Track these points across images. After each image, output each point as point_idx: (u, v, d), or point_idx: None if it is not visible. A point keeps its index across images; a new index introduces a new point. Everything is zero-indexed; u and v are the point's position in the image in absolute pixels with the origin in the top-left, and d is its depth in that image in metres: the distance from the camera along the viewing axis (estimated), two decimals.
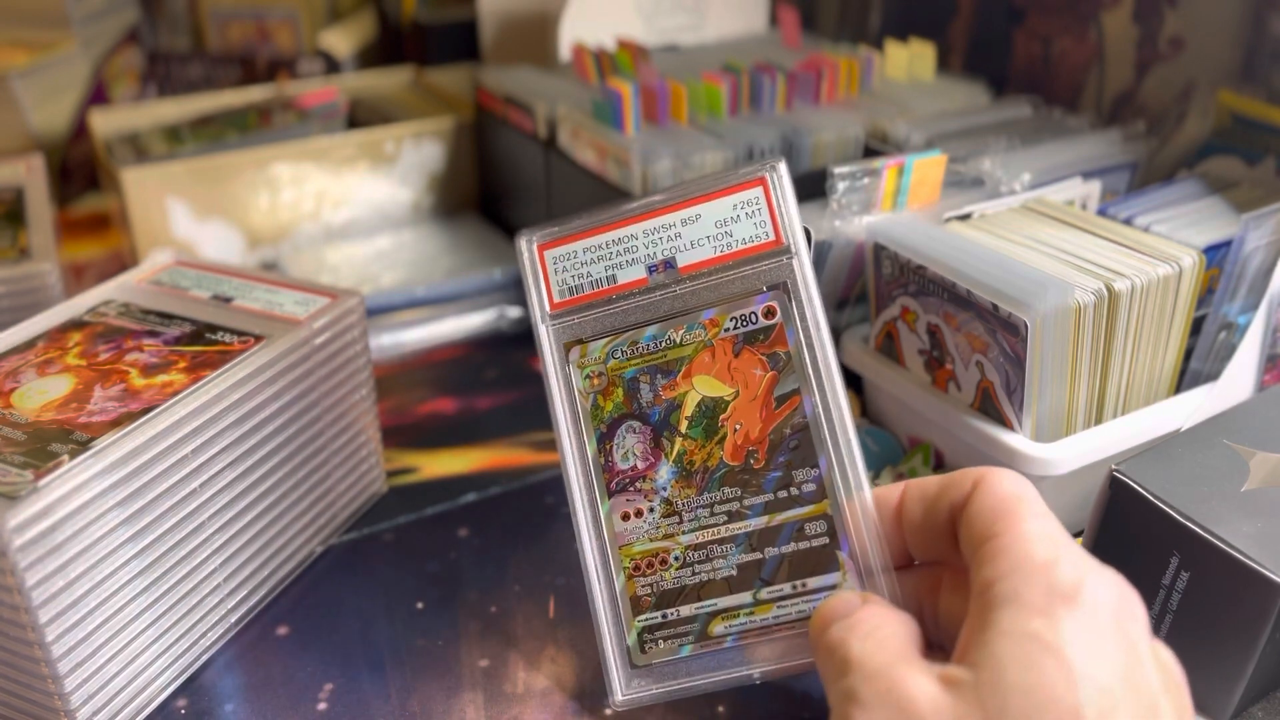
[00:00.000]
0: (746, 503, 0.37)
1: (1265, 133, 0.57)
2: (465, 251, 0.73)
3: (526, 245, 0.40)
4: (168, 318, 0.45)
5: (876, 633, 0.31)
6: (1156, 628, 0.37)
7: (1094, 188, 0.54)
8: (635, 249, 0.39)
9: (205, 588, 0.41)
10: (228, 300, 0.46)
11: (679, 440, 0.38)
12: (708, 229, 0.38)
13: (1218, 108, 0.60)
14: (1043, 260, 0.45)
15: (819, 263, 0.51)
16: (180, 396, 0.39)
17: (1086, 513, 0.40)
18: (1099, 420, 0.46)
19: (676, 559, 0.38)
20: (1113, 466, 0.38)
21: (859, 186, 0.50)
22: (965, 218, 0.50)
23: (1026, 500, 0.31)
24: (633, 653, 0.38)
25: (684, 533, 0.38)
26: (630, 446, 0.38)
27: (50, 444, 0.36)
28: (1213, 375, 0.48)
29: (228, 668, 0.41)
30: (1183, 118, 0.63)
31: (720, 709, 0.39)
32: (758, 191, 0.38)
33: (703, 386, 0.38)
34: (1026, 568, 0.28)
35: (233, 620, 0.43)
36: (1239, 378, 0.46)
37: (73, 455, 0.35)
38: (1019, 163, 0.55)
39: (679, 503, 0.38)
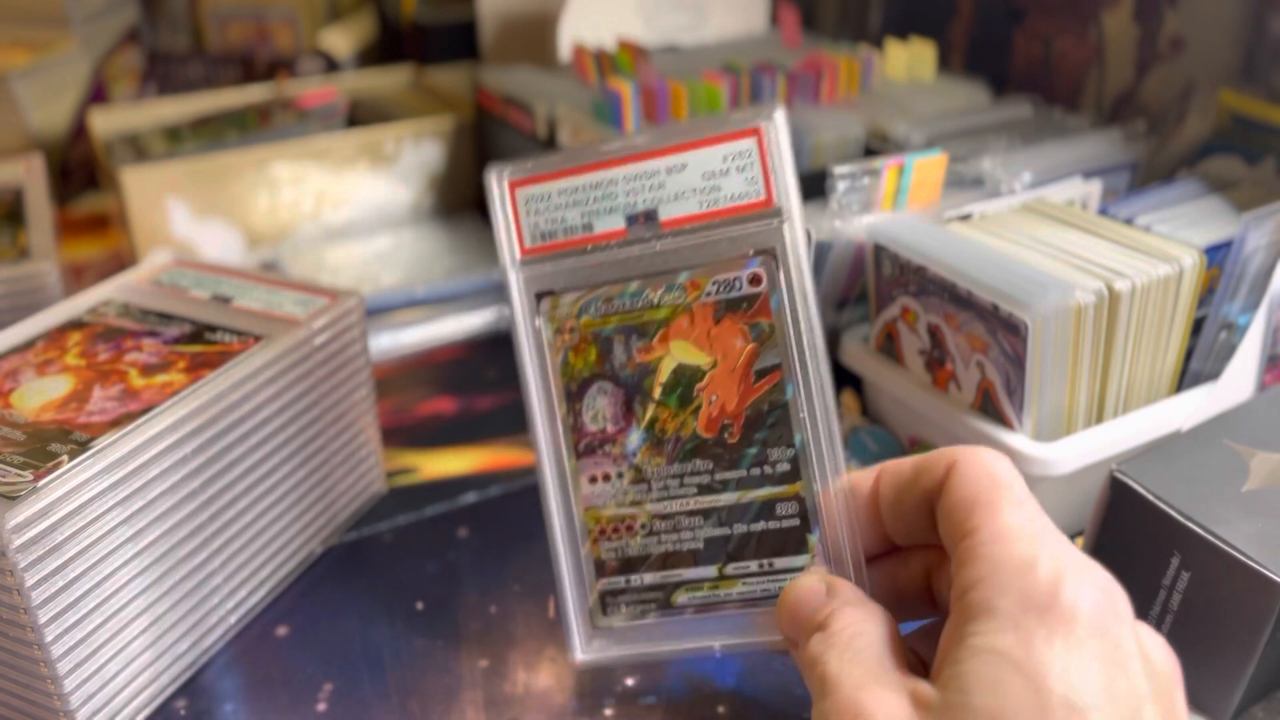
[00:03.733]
0: (718, 477, 0.36)
1: (1265, 133, 0.57)
2: (465, 251, 0.72)
3: (496, 180, 0.37)
4: (167, 318, 0.45)
5: (854, 643, 0.30)
6: (1157, 627, 0.37)
7: (1094, 187, 0.54)
8: (615, 196, 0.36)
9: (205, 588, 0.41)
10: (227, 300, 0.46)
11: (652, 406, 0.36)
12: (694, 180, 0.35)
13: (1218, 108, 0.60)
14: (1043, 260, 0.45)
15: (819, 263, 0.51)
16: (180, 396, 0.39)
17: (1086, 513, 0.40)
18: (1099, 420, 0.46)
19: (643, 527, 0.37)
20: (1113, 466, 0.38)
21: (859, 186, 0.50)
22: (965, 218, 0.50)
23: (1004, 486, 0.29)
24: (594, 614, 0.37)
25: (652, 501, 0.37)
26: (600, 408, 0.37)
27: (50, 444, 0.36)
28: (1213, 375, 0.47)
29: (228, 668, 0.41)
30: (1183, 118, 0.63)
31: (720, 709, 0.39)
32: (751, 144, 0.35)
33: (680, 352, 0.36)
34: (1001, 573, 0.27)
35: (233, 621, 0.43)
36: (1239, 378, 0.46)
37: (72, 455, 0.35)
38: (1019, 163, 0.55)
39: (648, 470, 0.37)
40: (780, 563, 0.36)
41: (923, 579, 0.34)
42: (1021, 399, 0.44)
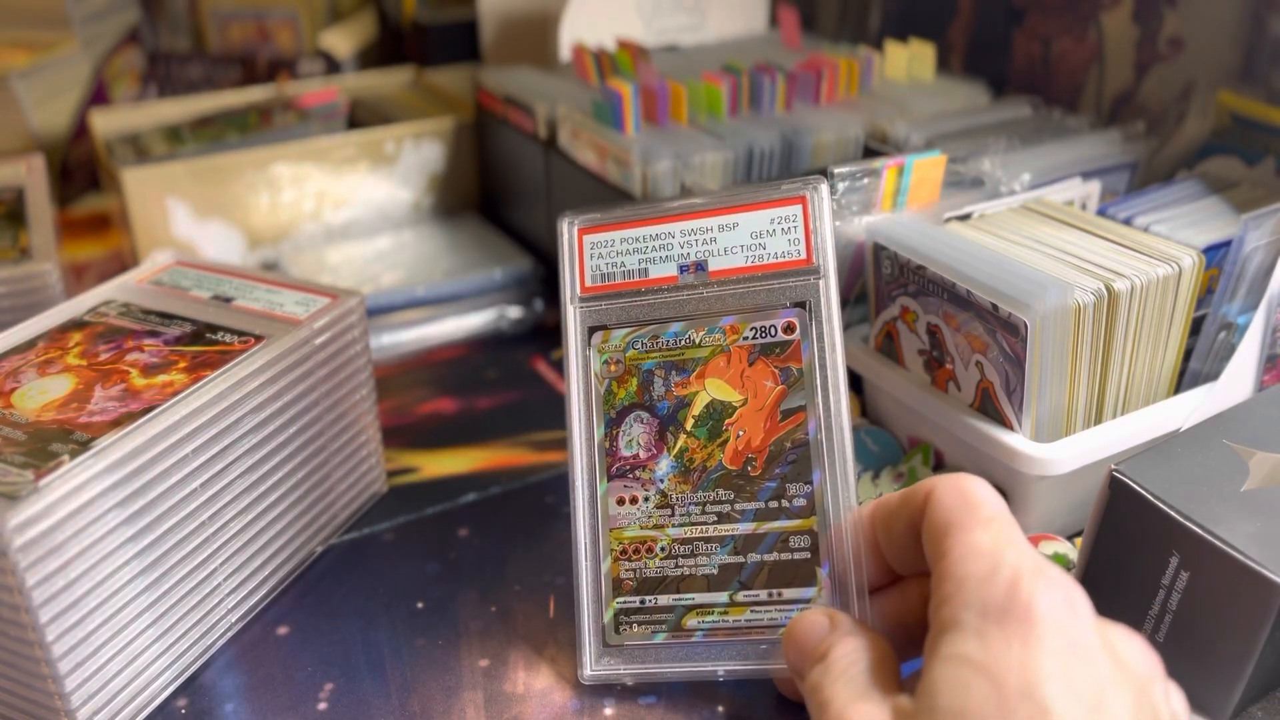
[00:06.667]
0: (738, 507, 0.38)
1: (1265, 133, 0.57)
2: (465, 251, 0.73)
3: (568, 227, 0.41)
4: (168, 318, 0.45)
5: (848, 671, 0.32)
6: (1156, 627, 0.37)
7: (1094, 188, 0.54)
8: (670, 246, 0.40)
9: (206, 587, 0.41)
10: (228, 300, 0.46)
11: (683, 437, 0.39)
12: (743, 238, 0.40)
13: (1217, 108, 0.60)
14: (1043, 260, 0.45)
15: None
16: (181, 396, 0.39)
17: (1086, 513, 0.40)
18: (1099, 420, 0.46)
19: (662, 549, 0.39)
20: (1112, 466, 0.38)
21: (859, 186, 0.50)
22: (965, 218, 0.50)
23: (971, 507, 0.31)
24: (607, 631, 0.39)
25: (674, 526, 0.39)
26: (635, 435, 0.39)
27: (50, 444, 0.36)
28: (1212, 375, 0.48)
29: (228, 668, 0.41)
30: (1182, 118, 0.63)
31: (720, 709, 0.39)
32: (796, 210, 0.39)
33: (713, 389, 0.39)
34: (966, 588, 0.29)
35: (233, 620, 0.43)
36: (1239, 378, 0.46)
37: (73, 455, 0.35)
38: (1019, 163, 0.55)
39: (673, 496, 0.39)
40: (789, 593, 0.37)
41: (922, 608, 0.35)
42: (1021, 399, 0.44)
